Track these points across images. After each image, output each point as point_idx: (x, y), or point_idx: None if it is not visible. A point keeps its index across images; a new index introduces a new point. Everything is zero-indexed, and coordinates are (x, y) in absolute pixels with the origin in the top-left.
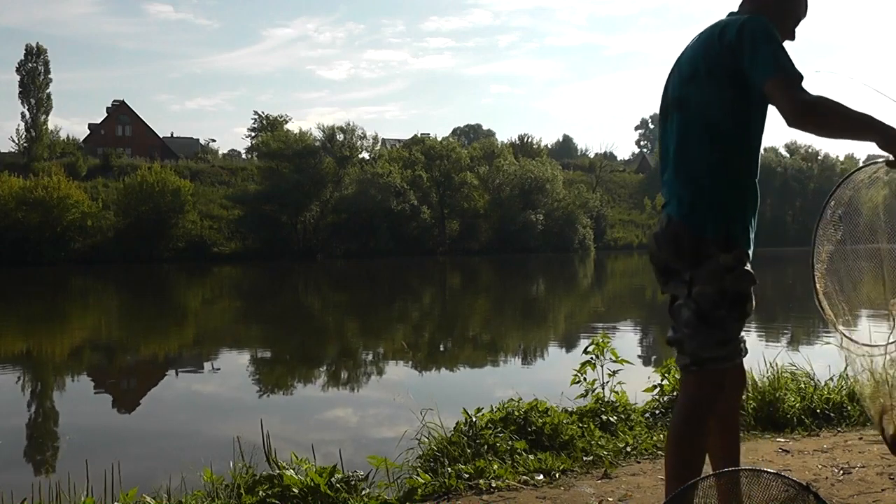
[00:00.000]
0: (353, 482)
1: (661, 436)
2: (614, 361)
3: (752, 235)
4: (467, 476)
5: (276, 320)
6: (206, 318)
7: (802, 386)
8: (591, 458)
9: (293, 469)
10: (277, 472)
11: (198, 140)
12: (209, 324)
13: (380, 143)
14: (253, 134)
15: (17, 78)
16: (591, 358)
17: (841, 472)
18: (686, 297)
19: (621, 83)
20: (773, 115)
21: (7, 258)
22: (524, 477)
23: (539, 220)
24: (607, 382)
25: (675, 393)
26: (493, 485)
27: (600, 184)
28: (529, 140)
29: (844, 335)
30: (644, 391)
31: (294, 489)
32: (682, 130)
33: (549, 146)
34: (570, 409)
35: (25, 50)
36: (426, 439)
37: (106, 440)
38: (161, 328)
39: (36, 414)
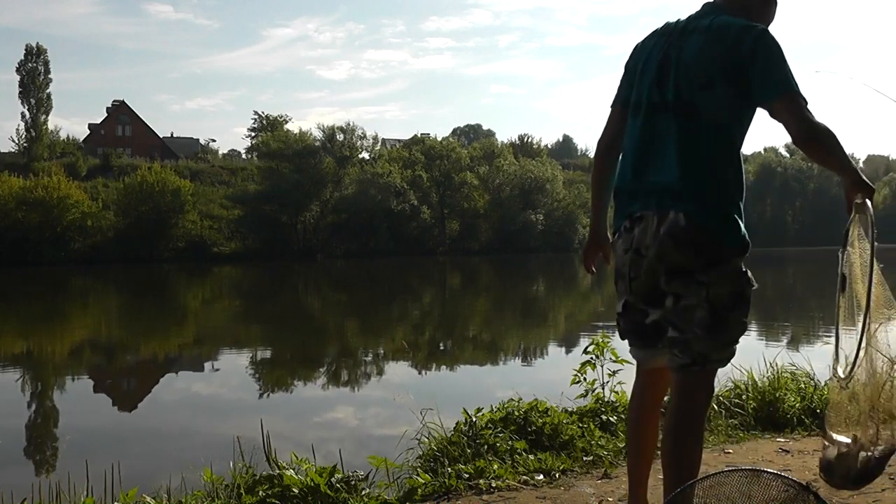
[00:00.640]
0: (353, 482)
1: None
2: (614, 361)
3: None
4: (467, 476)
5: (276, 320)
6: (206, 318)
7: (802, 386)
8: (591, 458)
9: (293, 469)
10: (277, 472)
11: (198, 140)
12: (209, 324)
13: (380, 143)
14: (253, 134)
15: (17, 78)
16: (591, 358)
17: None
18: (702, 299)
19: None
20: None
21: (7, 258)
22: (524, 477)
23: (539, 220)
24: (607, 382)
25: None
26: (493, 485)
27: None
28: (529, 140)
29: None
30: None
31: (294, 489)
32: (690, 134)
33: (549, 146)
34: (570, 409)
35: (25, 50)
36: (426, 439)
37: (106, 440)
38: (161, 328)
39: (36, 414)
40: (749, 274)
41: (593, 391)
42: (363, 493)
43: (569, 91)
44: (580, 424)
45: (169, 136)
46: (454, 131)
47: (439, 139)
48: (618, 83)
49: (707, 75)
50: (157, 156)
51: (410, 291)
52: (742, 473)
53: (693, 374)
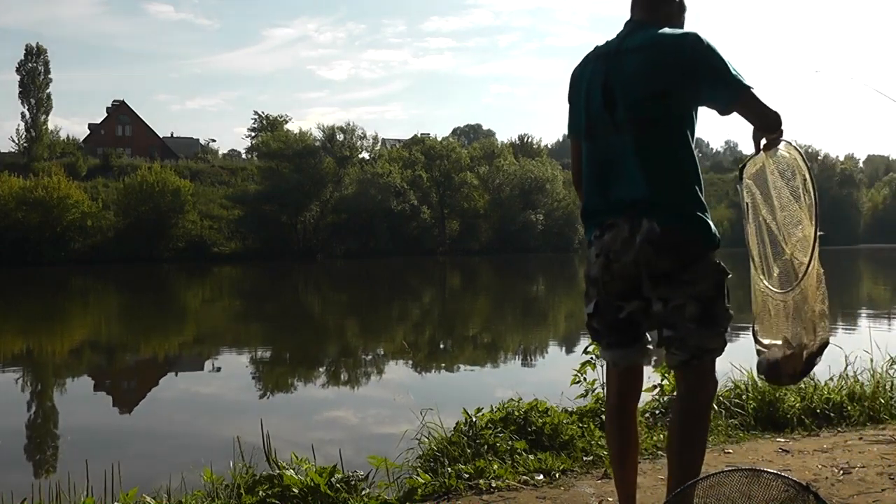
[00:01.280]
0: (353, 482)
1: (661, 436)
2: None
3: None
4: (467, 476)
5: (276, 320)
6: (206, 318)
7: (802, 386)
8: (591, 458)
9: (293, 469)
10: (277, 472)
11: (198, 140)
12: (209, 324)
13: (380, 143)
14: (253, 134)
15: (17, 78)
16: (591, 358)
17: (841, 472)
18: (689, 296)
19: None
20: (783, 122)
21: (7, 258)
22: (524, 477)
23: (539, 220)
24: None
25: (675, 393)
26: (493, 485)
27: None
28: (529, 140)
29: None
30: (644, 391)
31: (294, 489)
32: (648, 146)
33: (549, 146)
34: (570, 409)
35: (25, 50)
36: (426, 439)
37: (106, 440)
38: (161, 328)
39: (36, 414)
40: (722, 264)
41: (593, 391)
42: (363, 493)
43: None
44: (580, 424)
45: (169, 136)
46: (454, 131)
47: (439, 139)
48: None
49: (653, 89)
50: (157, 156)
51: (410, 291)
52: (742, 473)
53: (694, 369)
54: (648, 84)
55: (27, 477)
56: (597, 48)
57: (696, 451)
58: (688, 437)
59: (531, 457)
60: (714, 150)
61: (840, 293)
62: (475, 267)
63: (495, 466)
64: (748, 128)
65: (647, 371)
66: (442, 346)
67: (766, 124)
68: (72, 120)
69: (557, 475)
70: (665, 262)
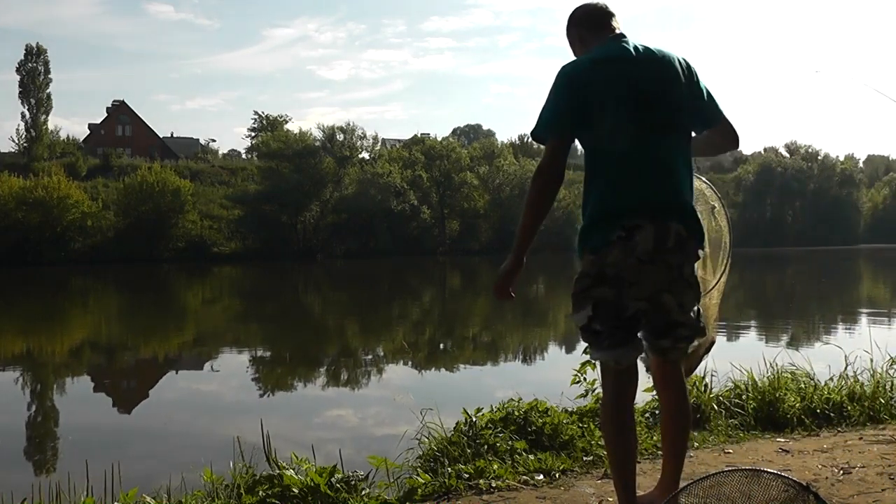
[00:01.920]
0: (353, 482)
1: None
2: None
3: None
4: (467, 476)
5: (276, 320)
6: (206, 318)
7: (802, 386)
8: (591, 458)
9: (293, 469)
10: (277, 472)
11: (198, 140)
12: (209, 324)
13: (380, 143)
14: (253, 134)
15: (17, 78)
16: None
17: (841, 472)
18: (694, 292)
19: None
20: (779, 119)
21: (7, 258)
22: (524, 477)
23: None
24: None
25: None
26: (493, 485)
27: None
28: (529, 140)
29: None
30: (644, 391)
31: (294, 489)
32: (680, 150)
33: None
34: (570, 409)
35: (25, 50)
36: (426, 439)
37: (106, 440)
38: (161, 328)
39: (36, 414)
40: None
41: (593, 391)
42: (363, 493)
43: None
44: (580, 424)
45: (169, 136)
46: (454, 131)
47: (439, 139)
48: (558, 110)
49: (680, 100)
50: (157, 156)
51: (410, 291)
52: (742, 473)
53: (687, 351)
54: (683, 92)
55: (27, 477)
56: (607, 53)
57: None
58: (690, 427)
59: (531, 457)
60: None
61: (840, 293)
62: (475, 267)
63: (495, 466)
64: (748, 128)
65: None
66: (442, 346)
67: (737, 140)
68: (72, 120)
69: (557, 475)
70: (690, 264)
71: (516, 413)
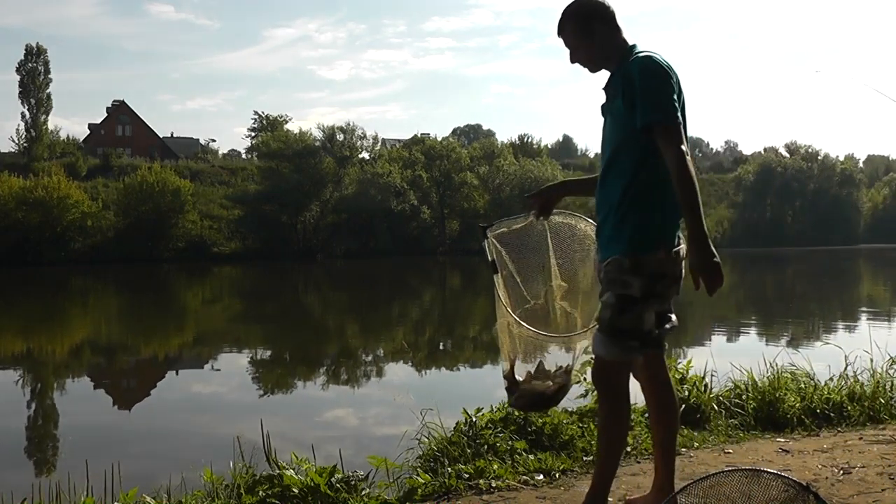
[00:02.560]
0: (353, 482)
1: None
2: None
3: None
4: (467, 476)
5: (276, 320)
6: (206, 318)
7: (802, 386)
8: (591, 458)
9: (293, 469)
10: (277, 472)
11: (198, 140)
12: (209, 324)
13: (380, 143)
14: (253, 134)
15: (17, 78)
16: (592, 358)
17: (841, 472)
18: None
19: None
20: (779, 119)
21: (7, 258)
22: (524, 477)
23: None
24: None
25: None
26: (493, 485)
27: None
28: (529, 140)
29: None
30: None
31: (294, 489)
32: None
33: (549, 146)
34: (570, 409)
35: (25, 50)
36: (426, 439)
37: (106, 440)
38: (161, 328)
39: (36, 414)
40: None
41: (593, 391)
42: (363, 493)
43: (569, 91)
44: (580, 424)
45: (169, 136)
46: (454, 131)
47: (439, 139)
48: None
49: None
50: (157, 156)
51: (410, 291)
52: (742, 473)
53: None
54: None
55: (27, 477)
56: (667, 61)
57: None
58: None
59: (531, 457)
60: (714, 150)
61: (840, 293)
62: (475, 267)
63: (495, 466)
64: (748, 128)
65: None
66: (442, 346)
67: None
68: (72, 120)
69: (557, 475)
70: None
71: (516, 413)
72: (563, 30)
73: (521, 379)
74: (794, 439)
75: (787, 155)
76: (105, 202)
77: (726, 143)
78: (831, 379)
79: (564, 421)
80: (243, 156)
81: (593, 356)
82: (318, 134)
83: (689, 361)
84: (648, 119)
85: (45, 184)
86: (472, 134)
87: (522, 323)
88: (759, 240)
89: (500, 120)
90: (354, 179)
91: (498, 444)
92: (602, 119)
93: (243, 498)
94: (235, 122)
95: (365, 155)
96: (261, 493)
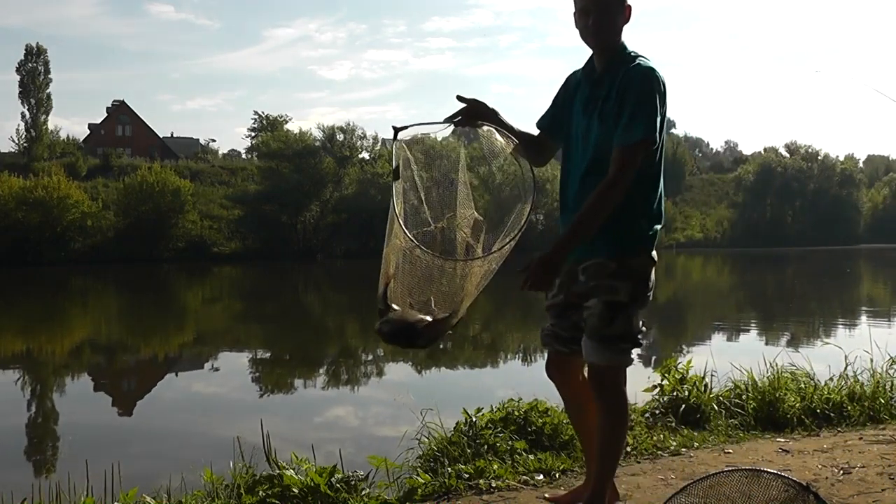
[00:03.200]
0: (353, 482)
1: (661, 436)
2: None
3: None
4: (467, 476)
5: (276, 320)
6: (206, 318)
7: (802, 386)
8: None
9: (293, 469)
10: (277, 472)
11: (198, 140)
12: (209, 324)
13: (380, 143)
14: (253, 134)
15: (17, 78)
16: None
17: (841, 472)
18: None
19: None
20: (779, 119)
21: (7, 258)
22: (524, 477)
23: (539, 221)
24: None
25: (675, 393)
26: (493, 485)
27: None
28: None
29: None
30: (644, 391)
31: (294, 489)
32: None
33: None
34: None
35: (25, 50)
36: (426, 439)
37: (106, 440)
38: (161, 328)
39: (36, 414)
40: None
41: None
42: (363, 493)
43: None
44: None
45: (169, 136)
46: (454, 131)
47: (439, 139)
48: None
49: None
50: (157, 156)
51: None
52: (742, 473)
53: None
54: None
55: (27, 477)
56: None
57: None
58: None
59: (531, 457)
60: (714, 150)
61: (840, 293)
62: None
63: (495, 466)
64: (748, 128)
65: (647, 371)
66: (442, 346)
67: None
68: (72, 120)
69: (557, 475)
70: None
71: (516, 413)
72: None
73: (396, 308)
74: (794, 439)
75: (787, 155)
76: (105, 202)
77: (726, 142)
78: (831, 379)
79: (564, 421)
80: (243, 156)
81: (588, 364)
82: (318, 134)
83: (689, 361)
84: (643, 135)
85: (45, 184)
86: (471, 134)
87: (414, 240)
88: (759, 240)
89: None
90: (354, 179)
91: (498, 444)
92: (570, 106)
93: (243, 498)
94: (235, 122)
95: (365, 155)
96: (261, 493)
